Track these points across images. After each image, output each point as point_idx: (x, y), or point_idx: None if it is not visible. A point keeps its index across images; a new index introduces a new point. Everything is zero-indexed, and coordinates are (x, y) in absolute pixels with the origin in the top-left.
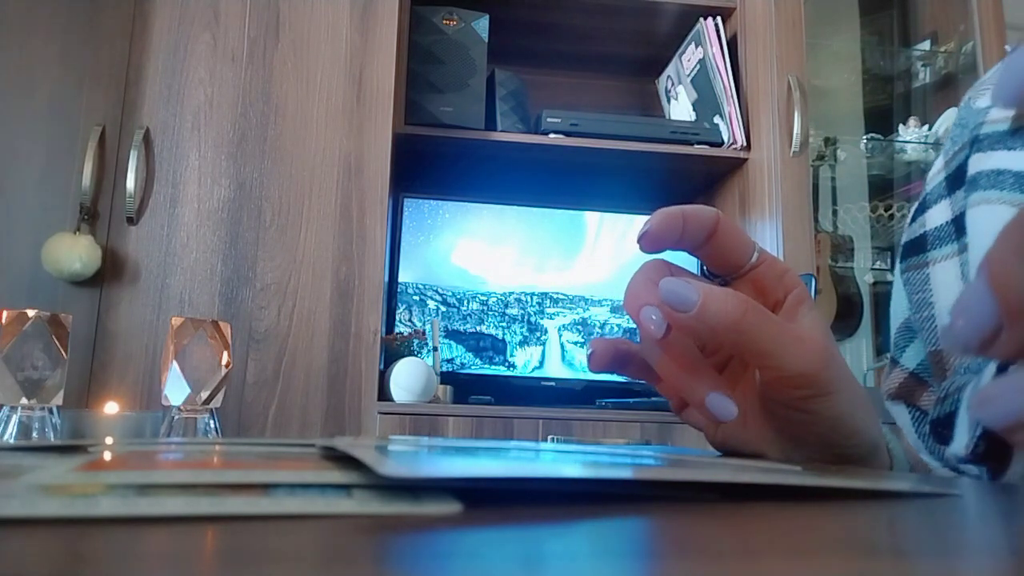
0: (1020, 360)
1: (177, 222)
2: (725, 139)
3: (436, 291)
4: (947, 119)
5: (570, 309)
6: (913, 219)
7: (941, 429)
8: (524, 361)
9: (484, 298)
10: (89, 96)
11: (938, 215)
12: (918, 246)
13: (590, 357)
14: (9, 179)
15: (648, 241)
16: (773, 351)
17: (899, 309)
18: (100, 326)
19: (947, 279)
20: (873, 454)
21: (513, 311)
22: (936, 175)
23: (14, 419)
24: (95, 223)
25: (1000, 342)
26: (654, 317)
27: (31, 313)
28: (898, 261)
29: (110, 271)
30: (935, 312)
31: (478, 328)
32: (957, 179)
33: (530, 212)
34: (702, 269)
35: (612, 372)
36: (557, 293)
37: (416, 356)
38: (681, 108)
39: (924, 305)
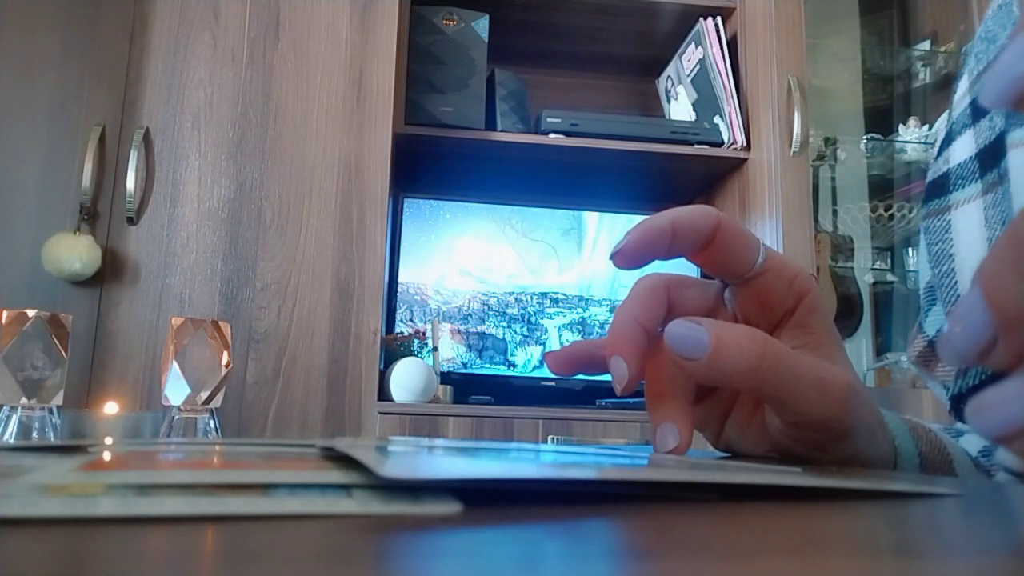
0: (1016, 369)
1: (177, 222)
2: (725, 139)
3: (436, 291)
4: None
5: (570, 309)
6: (939, 153)
7: (963, 405)
8: (524, 361)
9: (484, 298)
10: (89, 96)
11: (961, 149)
12: (940, 187)
13: (549, 367)
14: (9, 179)
15: (622, 259)
16: (793, 399)
17: (923, 266)
18: (100, 326)
19: (969, 226)
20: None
21: (513, 311)
22: (961, 100)
23: (14, 419)
24: (95, 223)
25: (996, 353)
26: (620, 371)
27: (31, 313)
28: (921, 205)
29: (110, 271)
30: (955, 266)
31: (478, 328)
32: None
33: (530, 212)
34: (702, 273)
35: (576, 374)
36: (557, 293)
37: (416, 356)
38: (681, 108)
39: (944, 257)
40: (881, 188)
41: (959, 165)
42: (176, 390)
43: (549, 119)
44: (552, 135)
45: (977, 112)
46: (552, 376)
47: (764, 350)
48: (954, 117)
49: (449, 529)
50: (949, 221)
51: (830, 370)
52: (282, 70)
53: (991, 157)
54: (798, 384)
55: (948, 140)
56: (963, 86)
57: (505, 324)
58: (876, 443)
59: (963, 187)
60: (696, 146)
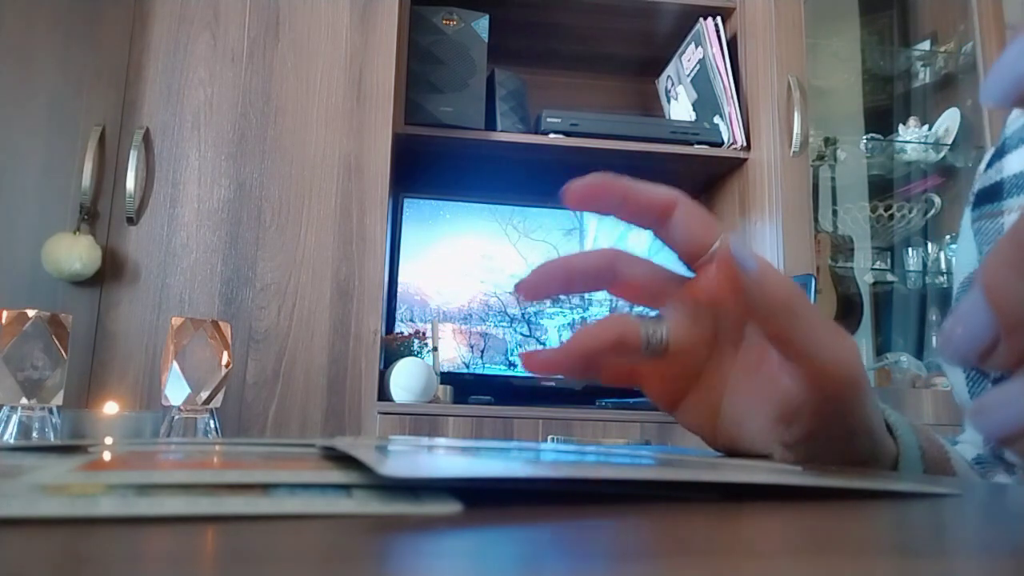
0: (1018, 370)
1: (177, 222)
2: (725, 139)
3: (436, 291)
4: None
5: (570, 309)
6: (989, 165)
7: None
8: None
9: (484, 298)
10: (89, 96)
11: (1017, 161)
12: (993, 194)
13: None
14: (9, 179)
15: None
16: (815, 339)
17: (964, 262)
18: (100, 326)
19: None
20: (872, 455)
21: (513, 311)
22: (1016, 118)
23: (14, 419)
24: (95, 223)
25: (997, 353)
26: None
27: (31, 313)
28: (968, 210)
29: (110, 271)
30: None
31: (478, 328)
32: None
33: (532, 212)
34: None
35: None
36: None
37: (416, 356)
38: (681, 108)
39: None
40: (881, 188)
41: (1015, 175)
42: (176, 390)
43: (549, 119)
44: (552, 135)
45: None
46: (552, 376)
47: (798, 288)
48: (1007, 134)
49: (449, 529)
50: (1003, 224)
51: (841, 328)
52: (282, 70)
53: None
54: (819, 328)
55: (1000, 153)
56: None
57: (505, 324)
58: (878, 417)
59: (1018, 194)
60: (696, 146)
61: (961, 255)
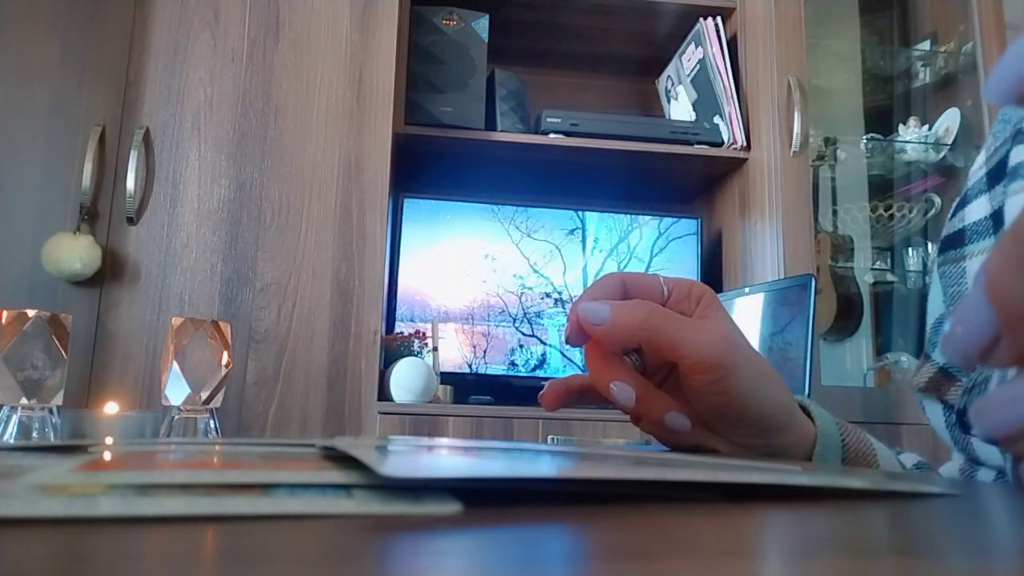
0: (1019, 367)
1: (177, 222)
2: (725, 139)
3: (436, 291)
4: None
5: (570, 309)
6: (953, 214)
7: (967, 418)
8: (524, 361)
9: (485, 298)
10: (89, 96)
11: (977, 210)
12: (956, 240)
13: (540, 397)
14: (9, 179)
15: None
16: (679, 340)
17: (935, 304)
18: (100, 326)
19: None
20: (789, 426)
21: (513, 311)
22: (977, 171)
23: (14, 419)
24: (95, 223)
25: (999, 351)
26: (622, 390)
27: (31, 313)
28: (936, 256)
29: (110, 271)
30: None
31: (479, 328)
32: (997, 174)
33: (530, 212)
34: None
35: (567, 407)
36: (557, 293)
37: (416, 356)
38: (681, 108)
39: (958, 298)
40: (881, 188)
41: (975, 223)
42: (176, 390)
43: (549, 119)
44: (552, 135)
45: (992, 180)
46: (552, 376)
47: (650, 310)
48: (969, 186)
49: (449, 529)
50: (964, 268)
51: (709, 320)
52: (282, 70)
53: (1003, 217)
54: (682, 329)
55: (963, 203)
56: (980, 160)
57: (506, 324)
58: (772, 387)
59: (978, 241)
60: (696, 146)
61: (932, 299)
